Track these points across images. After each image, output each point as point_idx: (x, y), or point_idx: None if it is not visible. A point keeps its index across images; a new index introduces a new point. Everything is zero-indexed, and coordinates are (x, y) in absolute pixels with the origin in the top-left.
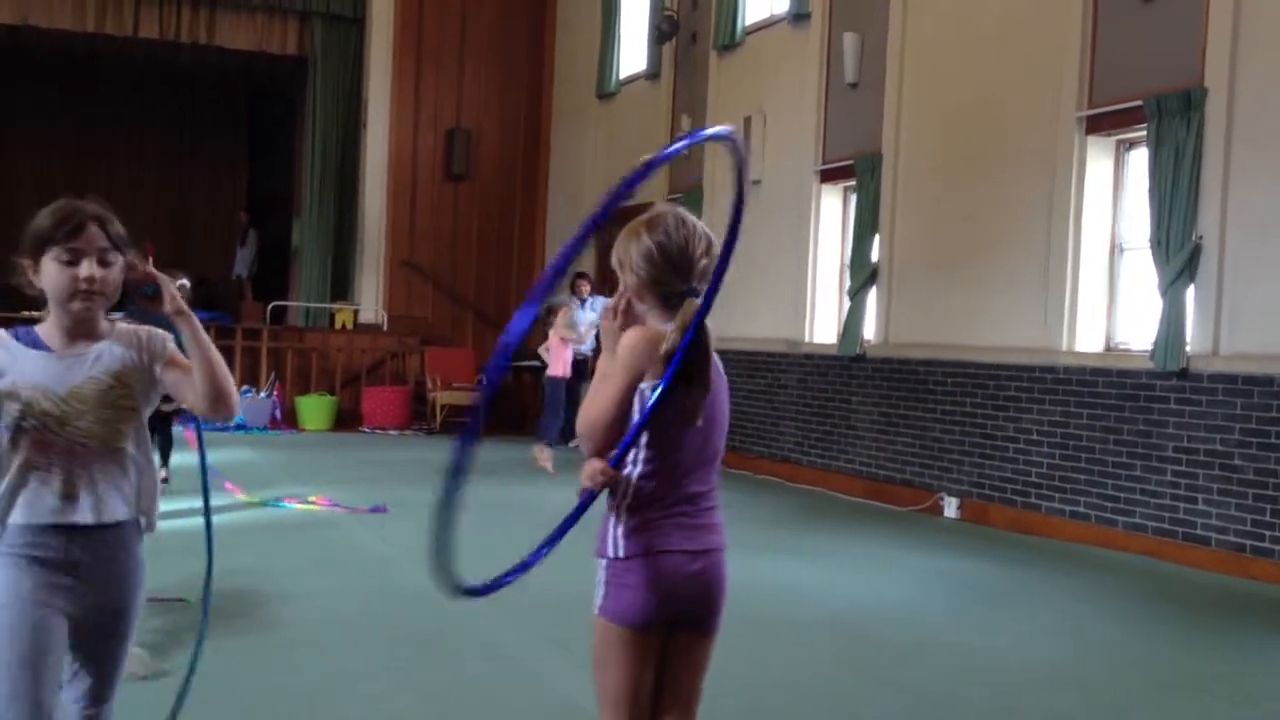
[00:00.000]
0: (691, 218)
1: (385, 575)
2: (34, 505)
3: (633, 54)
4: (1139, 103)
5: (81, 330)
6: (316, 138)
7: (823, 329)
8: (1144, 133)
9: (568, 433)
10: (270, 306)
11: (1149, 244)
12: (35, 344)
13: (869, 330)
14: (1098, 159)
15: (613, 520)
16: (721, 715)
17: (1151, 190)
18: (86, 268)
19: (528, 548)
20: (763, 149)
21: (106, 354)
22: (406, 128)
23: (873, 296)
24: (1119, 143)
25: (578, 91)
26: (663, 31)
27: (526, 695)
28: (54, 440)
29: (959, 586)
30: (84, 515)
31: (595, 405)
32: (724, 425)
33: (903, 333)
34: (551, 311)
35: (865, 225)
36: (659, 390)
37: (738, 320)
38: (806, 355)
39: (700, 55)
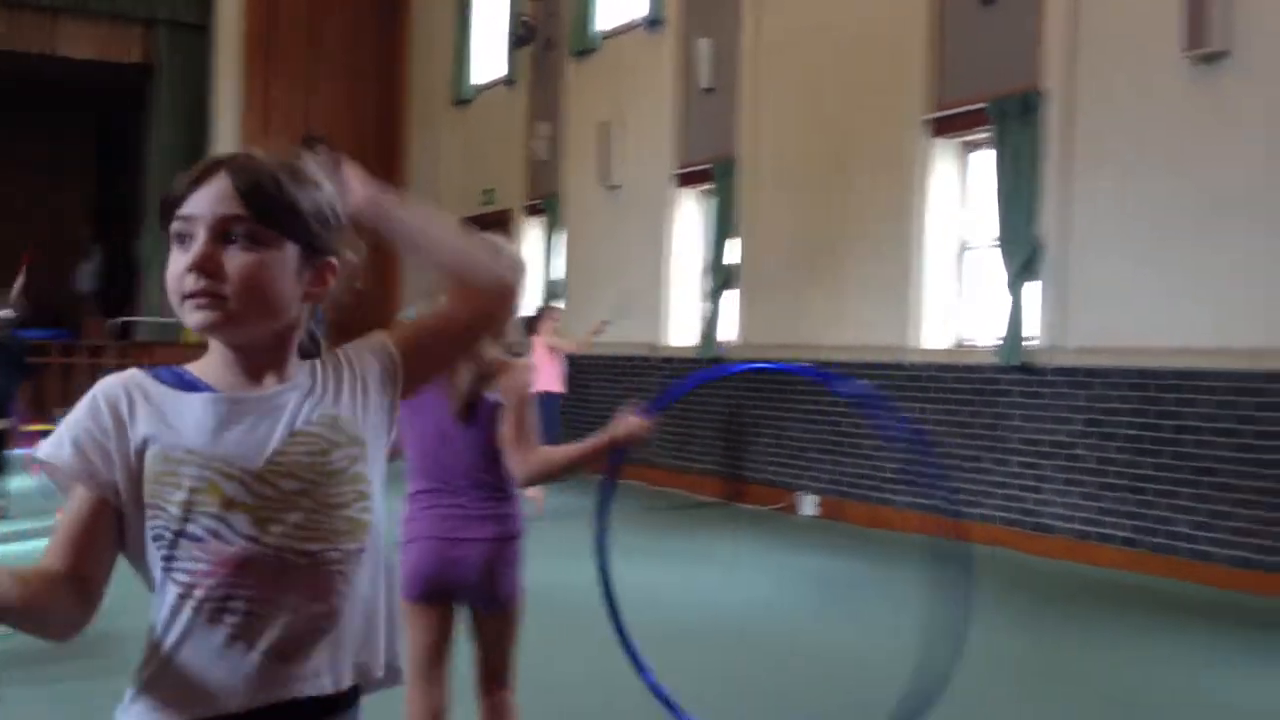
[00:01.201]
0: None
1: None
2: (210, 669)
3: (489, 60)
4: (982, 105)
5: (260, 358)
6: (163, 146)
7: (682, 332)
8: (987, 135)
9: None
10: (117, 322)
11: (994, 243)
12: (192, 385)
13: (727, 332)
14: (944, 161)
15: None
16: (579, 718)
17: (995, 191)
18: (198, 248)
19: None
20: (619, 154)
21: (306, 389)
22: (256, 136)
23: (731, 298)
24: (964, 144)
25: (433, 98)
26: (519, 37)
27: None
28: (248, 553)
29: (817, 583)
30: (316, 684)
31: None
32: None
33: (760, 334)
34: (540, 316)
35: (722, 228)
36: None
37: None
38: (666, 359)
39: (556, 61)
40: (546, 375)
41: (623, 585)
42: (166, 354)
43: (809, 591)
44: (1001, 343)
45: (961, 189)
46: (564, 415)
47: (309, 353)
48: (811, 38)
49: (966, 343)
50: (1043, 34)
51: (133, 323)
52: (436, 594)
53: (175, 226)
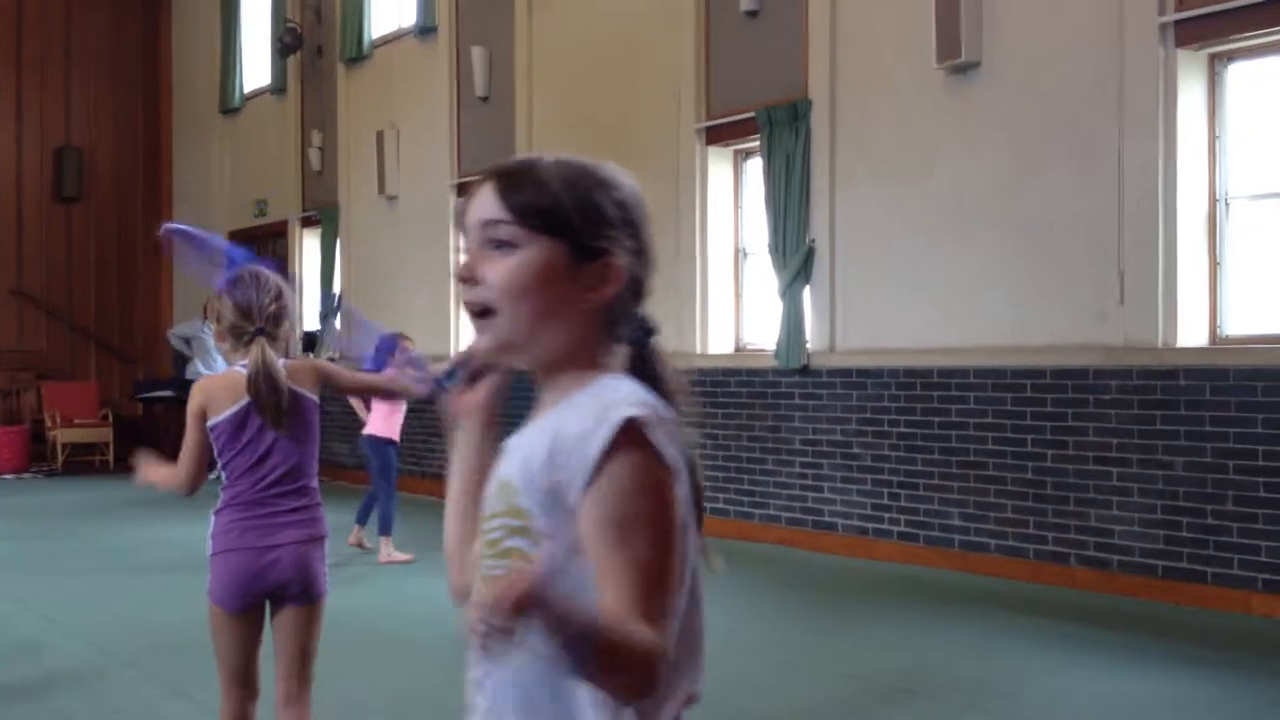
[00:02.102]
0: (265, 273)
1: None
2: None
3: (256, 67)
4: (752, 114)
5: (542, 375)
6: None
7: (466, 341)
8: (758, 143)
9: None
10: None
11: (768, 249)
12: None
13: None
14: (718, 168)
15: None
16: None
17: (767, 198)
18: (465, 260)
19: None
20: (396, 164)
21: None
22: (7, 146)
23: None
24: (737, 153)
25: (199, 106)
26: (285, 44)
27: None
28: None
29: None
30: None
31: (184, 460)
32: (300, 440)
33: None
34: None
35: None
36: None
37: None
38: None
39: (327, 69)
40: (380, 418)
41: (428, 605)
42: None
43: None
44: (779, 347)
45: (736, 196)
46: (344, 429)
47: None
48: (585, 47)
49: (748, 347)
50: (807, 45)
51: None
52: (254, 600)
53: (461, 239)
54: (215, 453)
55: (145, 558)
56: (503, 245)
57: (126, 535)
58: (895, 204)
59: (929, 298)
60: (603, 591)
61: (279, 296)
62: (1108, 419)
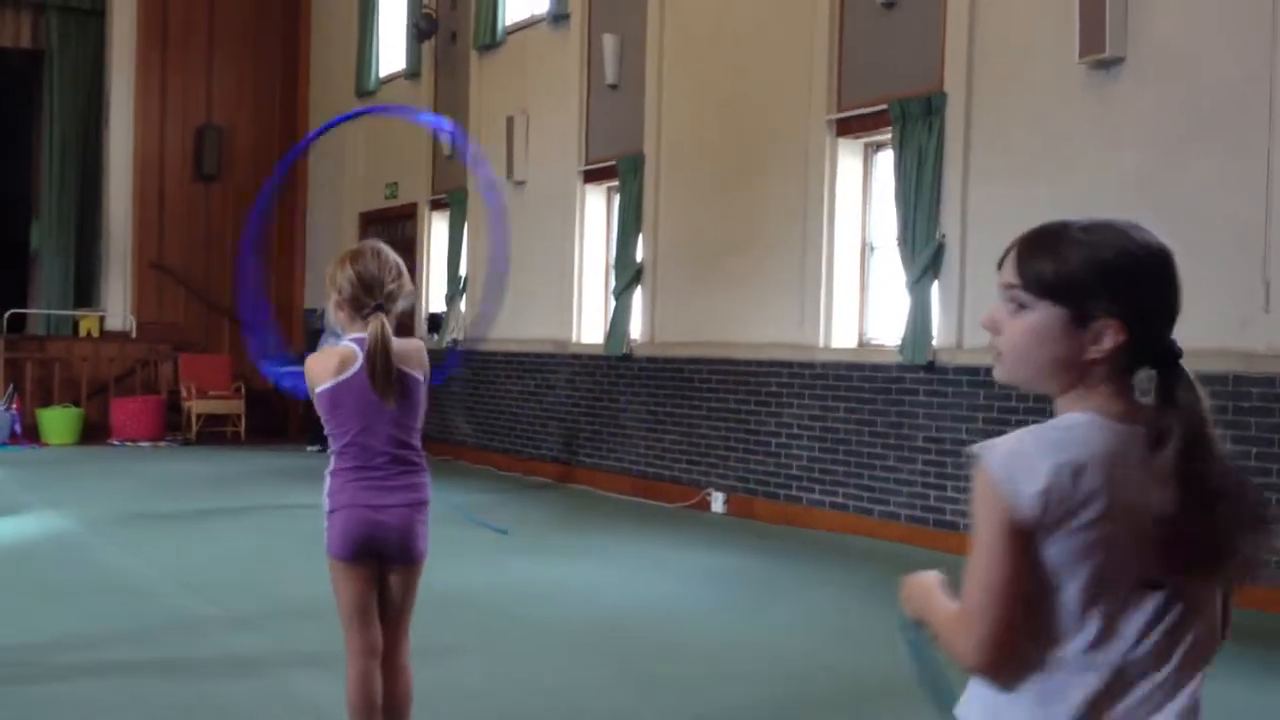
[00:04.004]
0: (386, 251)
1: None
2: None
3: (392, 52)
4: (884, 106)
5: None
6: (55, 135)
7: (589, 329)
8: (890, 135)
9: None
10: (7, 314)
11: (896, 243)
12: None
13: (635, 330)
14: (847, 161)
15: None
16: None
17: (897, 191)
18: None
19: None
20: (525, 149)
21: None
22: (153, 125)
23: (638, 296)
24: (867, 145)
25: (336, 89)
26: (421, 30)
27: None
28: None
29: (725, 581)
30: None
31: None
32: (405, 412)
33: (668, 332)
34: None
35: (629, 225)
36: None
37: (505, 322)
38: (574, 355)
39: (460, 54)
40: None
41: (531, 584)
42: (57, 347)
43: (713, 589)
44: (904, 342)
45: (865, 189)
46: (470, 410)
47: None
48: (716, 35)
49: (872, 342)
50: (943, 37)
51: (24, 315)
52: (365, 552)
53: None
54: (325, 420)
55: (277, 526)
56: (1018, 306)
57: (258, 503)
58: (1030, 201)
59: None
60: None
61: (399, 275)
62: (1247, 426)
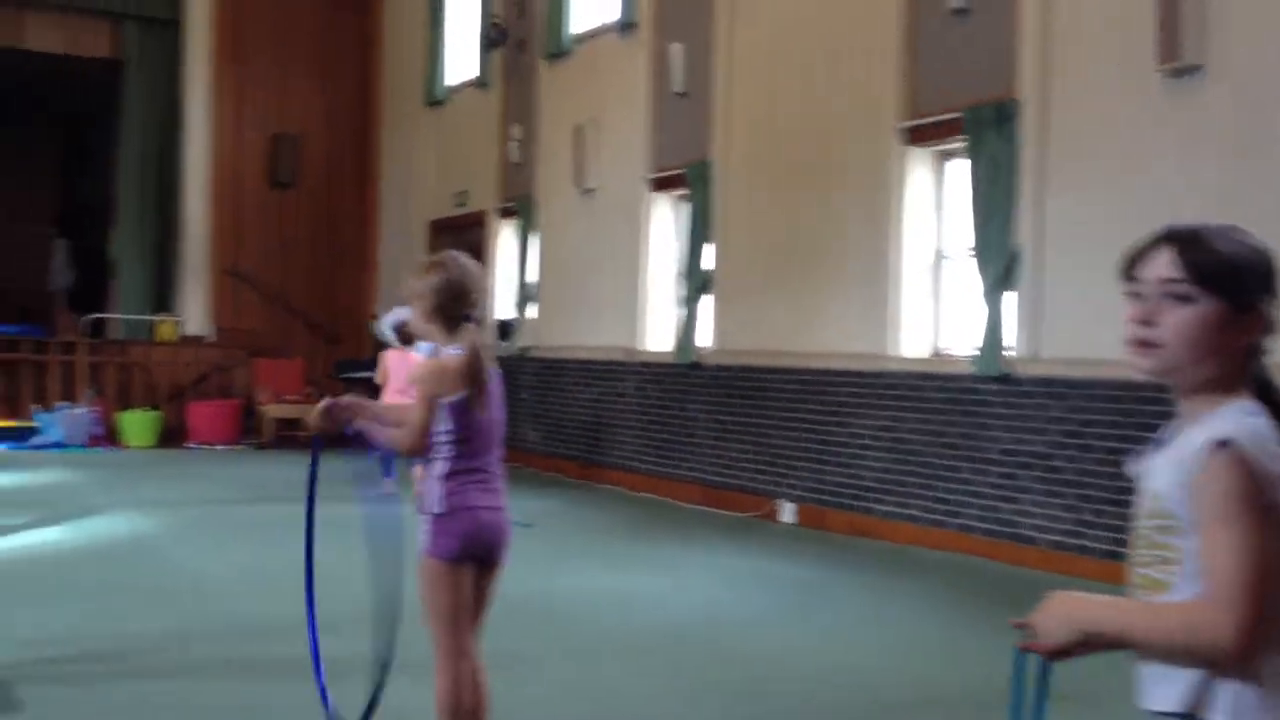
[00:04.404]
0: (468, 261)
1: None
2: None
3: (462, 61)
4: (957, 114)
5: (1193, 403)
6: (133, 144)
7: (658, 337)
8: (962, 144)
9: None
10: (89, 319)
11: (969, 252)
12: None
13: (704, 338)
14: (919, 169)
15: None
16: None
17: (971, 200)
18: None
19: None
20: (593, 158)
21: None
22: (229, 133)
23: (707, 304)
24: (939, 153)
25: (407, 98)
26: (490, 39)
27: None
28: None
29: (796, 591)
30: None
31: (412, 430)
32: (499, 416)
33: (737, 340)
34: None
35: (698, 233)
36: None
37: (574, 329)
38: (643, 363)
39: (529, 63)
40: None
41: (597, 592)
42: (137, 351)
43: (783, 599)
44: (979, 353)
45: (937, 197)
46: (537, 417)
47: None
48: (785, 44)
49: (944, 352)
50: (1017, 44)
51: (105, 320)
52: (473, 554)
53: (1127, 286)
54: (444, 426)
55: (350, 531)
56: (1180, 299)
57: (334, 508)
58: (1107, 209)
59: None
60: (1202, 573)
61: (482, 285)
62: None
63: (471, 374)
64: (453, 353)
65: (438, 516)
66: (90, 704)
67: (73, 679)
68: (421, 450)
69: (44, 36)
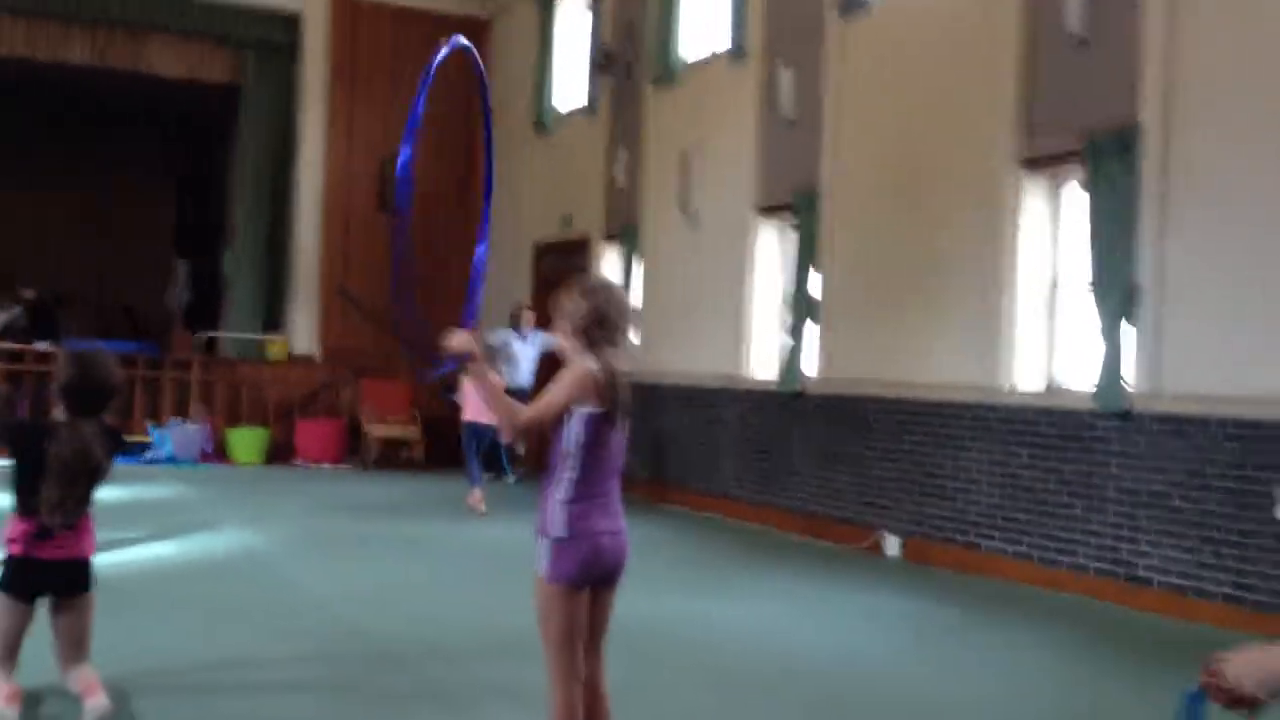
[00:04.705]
0: (618, 289)
1: (347, 628)
2: None
3: (570, 87)
4: (1075, 143)
5: None
6: (248, 167)
7: (762, 364)
8: (1081, 172)
9: (500, 461)
10: (201, 337)
11: (1088, 284)
12: None
13: (809, 366)
14: (1035, 198)
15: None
16: None
17: (1089, 230)
18: None
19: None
20: (699, 184)
21: None
22: (339, 158)
23: (812, 332)
24: (1056, 182)
25: (514, 122)
26: (599, 65)
27: None
28: None
29: (902, 627)
30: None
31: (537, 411)
32: (626, 438)
33: (843, 369)
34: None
35: (804, 260)
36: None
37: (677, 354)
38: (746, 390)
39: (637, 89)
40: (470, 405)
41: (699, 620)
42: (247, 370)
43: (891, 635)
44: (1097, 388)
45: (1053, 227)
46: (636, 442)
47: None
48: (898, 70)
49: (1058, 386)
50: (1140, 71)
51: (216, 338)
52: (595, 578)
53: None
54: (572, 441)
55: (460, 553)
56: None
57: (439, 530)
58: (1233, 242)
59: (1269, 344)
60: None
61: (627, 313)
62: None
63: (608, 389)
64: (591, 365)
65: (558, 541)
66: (207, 717)
67: (189, 692)
68: (518, 435)
69: (166, 61)
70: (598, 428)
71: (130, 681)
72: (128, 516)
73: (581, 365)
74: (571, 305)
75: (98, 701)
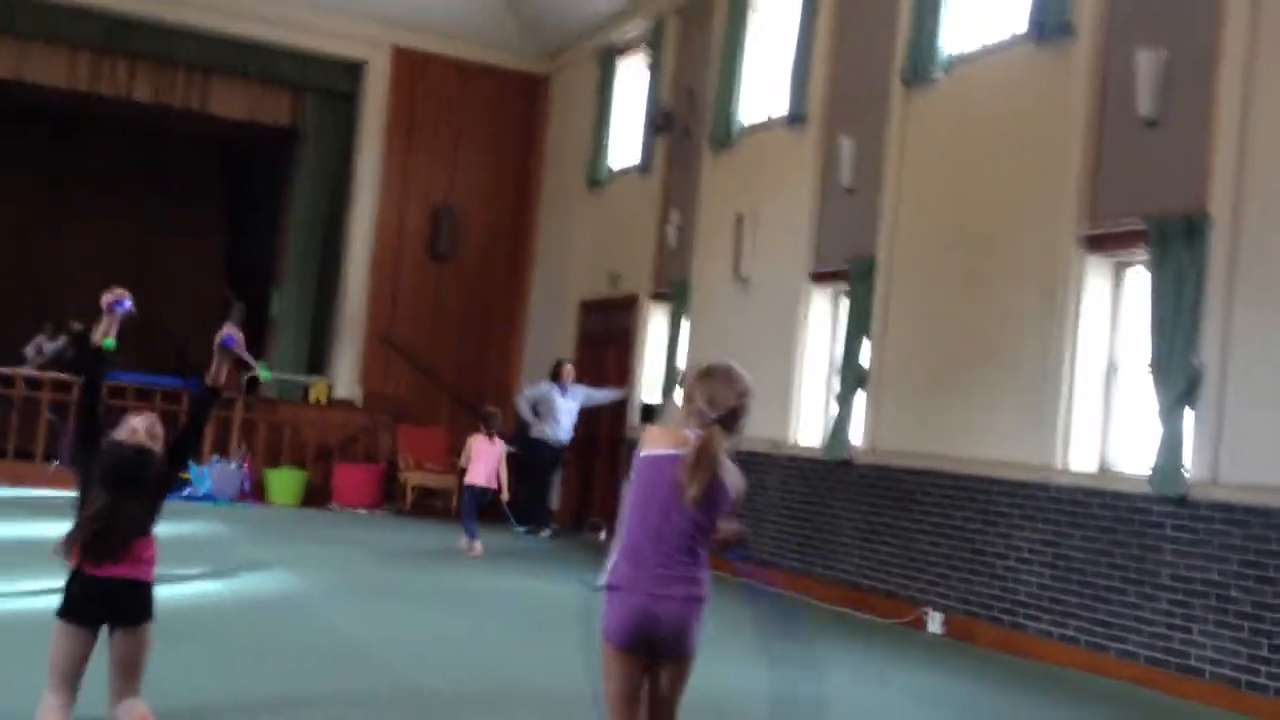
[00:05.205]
0: (738, 373)
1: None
2: None
3: (626, 145)
4: (1141, 225)
5: None
6: (302, 209)
7: (808, 431)
8: (1145, 255)
9: (536, 515)
10: (245, 376)
11: (1148, 367)
12: None
13: (856, 436)
14: (1097, 278)
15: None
16: None
17: (1152, 313)
18: None
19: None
20: (752, 248)
21: None
22: (393, 205)
23: (861, 402)
24: (1119, 264)
25: (568, 178)
26: (657, 125)
27: None
28: None
29: (947, 706)
30: None
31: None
32: (707, 515)
33: (891, 440)
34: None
35: (857, 329)
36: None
37: None
38: (790, 458)
39: (694, 151)
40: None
41: (739, 691)
42: (288, 411)
43: (937, 713)
44: (1154, 472)
45: (1114, 308)
46: None
47: None
48: (960, 142)
49: (1112, 468)
50: (1210, 156)
51: (258, 378)
52: (638, 641)
53: None
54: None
55: (496, 605)
56: None
57: (474, 581)
58: None
59: None
60: None
61: (743, 394)
62: None
63: (696, 459)
64: (688, 433)
65: (607, 592)
66: None
67: None
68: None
69: (228, 102)
70: (644, 475)
71: (177, 716)
72: (171, 552)
73: (655, 429)
74: (689, 387)
75: None
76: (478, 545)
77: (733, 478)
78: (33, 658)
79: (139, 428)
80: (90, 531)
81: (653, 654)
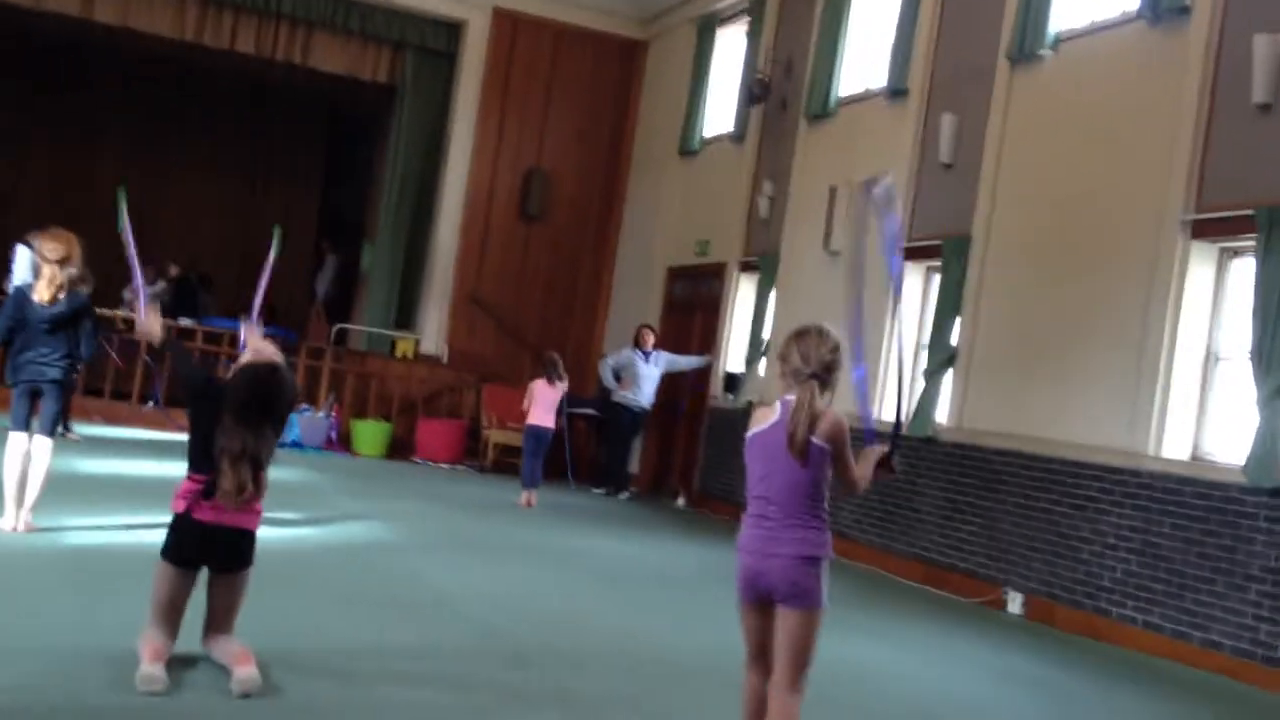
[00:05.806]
0: (830, 332)
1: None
2: None
3: (720, 113)
4: (1249, 212)
5: None
6: (397, 166)
7: (893, 408)
8: (1252, 242)
9: (616, 477)
10: (335, 329)
11: (1249, 356)
12: None
13: (942, 413)
14: (1200, 265)
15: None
16: None
17: (1256, 302)
18: None
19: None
20: (846, 220)
21: None
22: (486, 165)
23: (949, 380)
24: (1223, 250)
25: (660, 145)
26: (753, 94)
27: None
28: None
29: (1026, 687)
30: None
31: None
32: (809, 471)
33: (977, 419)
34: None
35: (947, 307)
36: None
37: None
38: (875, 432)
39: (789, 122)
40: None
41: (830, 660)
42: (376, 364)
43: (1013, 694)
44: (1249, 462)
45: (1216, 295)
46: None
47: None
48: (1065, 122)
49: (1205, 457)
50: None
51: (347, 331)
52: (756, 596)
53: None
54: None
55: (579, 562)
56: None
57: (556, 538)
58: None
59: None
60: None
61: (835, 350)
62: None
63: (795, 415)
64: (778, 401)
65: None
66: (345, 698)
67: (327, 674)
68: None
69: (328, 57)
70: (751, 448)
71: (271, 656)
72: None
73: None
74: (784, 349)
75: (249, 671)
76: (533, 496)
77: (826, 424)
78: (132, 590)
79: (263, 348)
80: (234, 462)
81: (769, 607)
